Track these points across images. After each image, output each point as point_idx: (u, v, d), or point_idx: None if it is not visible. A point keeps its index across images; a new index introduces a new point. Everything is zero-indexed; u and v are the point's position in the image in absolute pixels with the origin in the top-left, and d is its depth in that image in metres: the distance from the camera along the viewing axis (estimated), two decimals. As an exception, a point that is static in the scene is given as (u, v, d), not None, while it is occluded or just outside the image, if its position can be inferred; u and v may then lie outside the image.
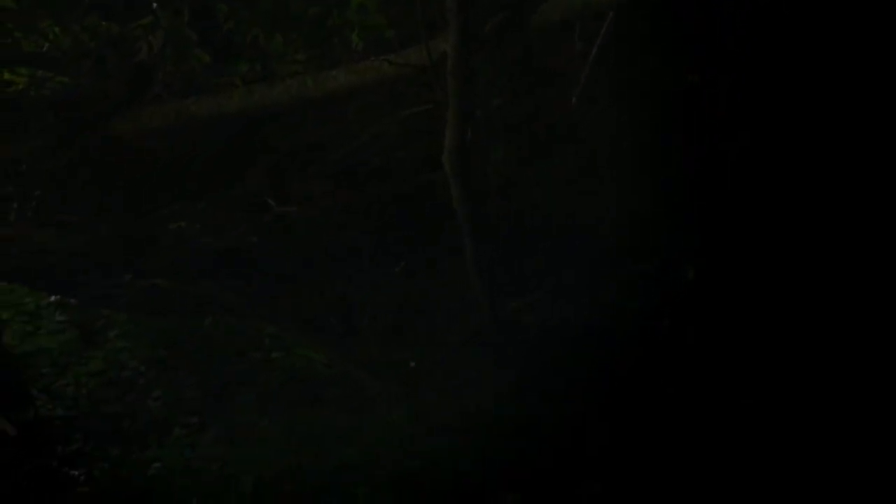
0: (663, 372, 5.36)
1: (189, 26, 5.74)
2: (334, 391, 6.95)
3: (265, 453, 5.72)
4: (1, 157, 6.32)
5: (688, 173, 5.55)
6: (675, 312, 5.51)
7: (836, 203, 5.38)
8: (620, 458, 5.08)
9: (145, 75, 5.91)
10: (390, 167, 6.20)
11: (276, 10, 5.76)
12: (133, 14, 6.00)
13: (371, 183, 6.24)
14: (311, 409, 6.69)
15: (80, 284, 7.36)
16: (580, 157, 5.85)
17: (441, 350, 6.40)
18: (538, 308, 5.90)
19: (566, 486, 5.02)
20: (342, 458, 5.39)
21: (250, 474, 5.28)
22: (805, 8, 5.33)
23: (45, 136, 6.14)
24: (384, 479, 5.07)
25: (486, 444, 5.37)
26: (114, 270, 7.10)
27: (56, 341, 8.15)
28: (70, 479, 6.01)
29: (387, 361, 6.48)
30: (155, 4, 5.85)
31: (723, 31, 5.28)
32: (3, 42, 6.13)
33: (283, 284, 6.90)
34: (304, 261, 6.76)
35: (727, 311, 5.36)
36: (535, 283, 5.89)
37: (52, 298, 8.67)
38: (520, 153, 5.81)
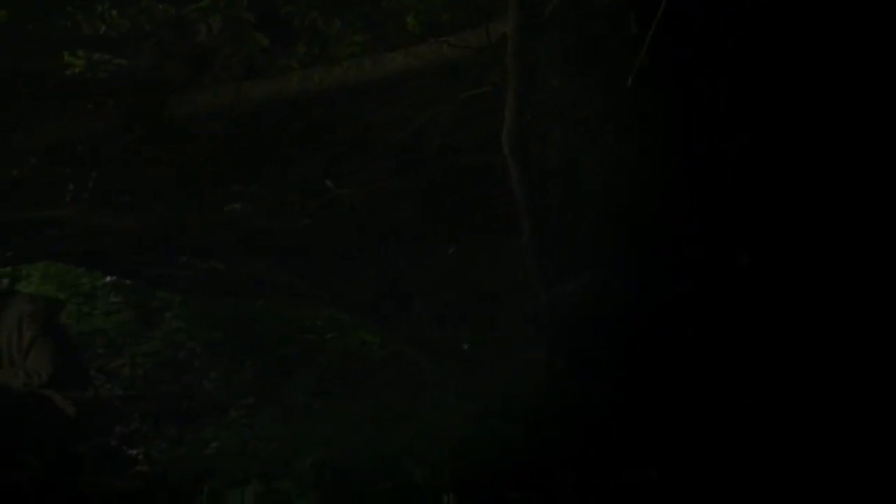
0: (717, 356, 5.34)
1: (247, 9, 5.76)
2: (388, 372, 6.98)
3: (321, 433, 5.75)
4: (59, 139, 6.35)
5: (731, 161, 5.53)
6: (727, 298, 5.48)
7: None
8: (676, 444, 5.07)
9: (203, 58, 5.93)
10: (447, 149, 6.19)
11: (333, -6, 5.77)
12: (191, -3, 6.04)
13: (428, 165, 6.24)
14: (366, 390, 6.73)
15: (137, 266, 7.41)
16: (635, 142, 5.82)
17: (495, 332, 6.41)
18: (591, 291, 5.88)
19: (622, 469, 5.01)
20: (398, 439, 5.40)
21: (308, 454, 5.30)
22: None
23: (104, 118, 6.17)
24: (441, 460, 5.08)
25: (540, 425, 5.36)
26: (170, 252, 7.14)
27: (112, 322, 8.24)
28: (128, 458, 6.07)
29: (441, 343, 6.50)
30: (213, -13, 5.88)
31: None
32: (62, 25, 6.17)
33: (338, 267, 6.92)
34: (360, 243, 6.78)
35: (781, 299, 5.33)
36: (589, 266, 5.87)
37: (108, 280, 8.76)
38: (577, 136, 5.79)
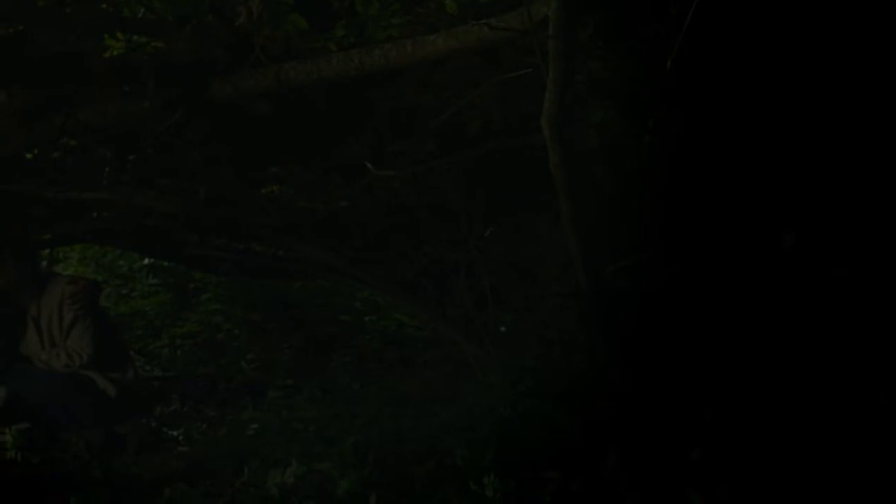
0: (761, 338, 5.32)
1: (287, -9, 5.78)
2: (428, 353, 7.00)
3: (362, 414, 5.77)
4: (99, 122, 6.39)
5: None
6: (770, 278, 5.47)
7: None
8: (718, 424, 5.06)
9: (243, 41, 5.94)
10: (488, 131, 6.19)
11: (373, -24, 5.77)
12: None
13: (468, 146, 6.24)
14: (405, 371, 6.75)
15: (175, 248, 7.45)
16: (676, 122, 5.80)
17: (536, 313, 6.41)
18: (633, 273, 5.87)
19: (664, 449, 5.00)
20: (440, 420, 5.41)
21: (348, 435, 5.32)
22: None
23: (145, 101, 6.20)
24: (481, 440, 5.08)
25: (583, 407, 5.36)
26: (209, 234, 7.17)
27: (150, 304, 8.29)
28: (169, 439, 6.10)
29: (481, 324, 6.50)
30: (252, -30, 5.89)
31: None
32: (101, 7, 6.20)
33: (378, 248, 6.93)
34: (399, 225, 6.79)
35: (827, 280, 5.31)
36: (630, 247, 5.86)
37: (146, 261, 8.81)
38: (617, 117, 5.78)
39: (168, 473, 5.48)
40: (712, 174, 5.56)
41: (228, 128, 6.55)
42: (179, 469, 5.54)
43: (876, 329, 4.91)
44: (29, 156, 6.65)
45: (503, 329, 6.60)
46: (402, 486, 4.82)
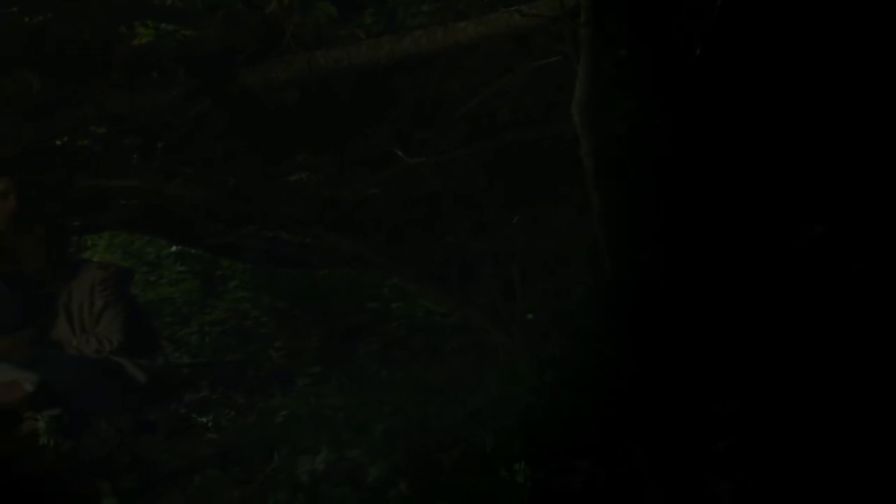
0: (789, 330, 5.32)
1: (316, -22, 5.79)
2: (455, 341, 7.00)
3: (390, 402, 5.78)
4: (128, 110, 6.41)
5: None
6: (798, 270, 5.46)
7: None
8: (747, 415, 5.05)
9: (273, 28, 5.95)
10: (517, 119, 6.19)
11: (402, -37, 5.79)
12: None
13: (497, 135, 6.24)
14: (432, 359, 6.76)
15: (203, 235, 7.46)
16: (704, 110, 5.79)
17: (563, 302, 6.41)
18: (661, 262, 5.86)
19: (691, 439, 5.00)
20: (468, 408, 5.42)
21: (377, 422, 5.33)
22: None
23: (174, 89, 6.22)
24: (512, 430, 5.09)
25: (608, 396, 5.36)
26: (236, 222, 7.18)
27: (178, 291, 8.32)
28: (198, 425, 6.12)
29: (508, 313, 6.51)
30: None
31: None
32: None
33: (405, 236, 6.94)
34: (426, 212, 6.79)
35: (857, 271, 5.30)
36: (659, 237, 5.86)
37: (173, 249, 8.84)
38: (646, 105, 5.76)
39: (197, 460, 5.52)
40: (738, 164, 5.56)
41: (254, 117, 6.56)
42: (209, 455, 5.56)
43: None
44: (58, 143, 6.67)
45: (530, 316, 6.60)
46: (431, 473, 4.82)
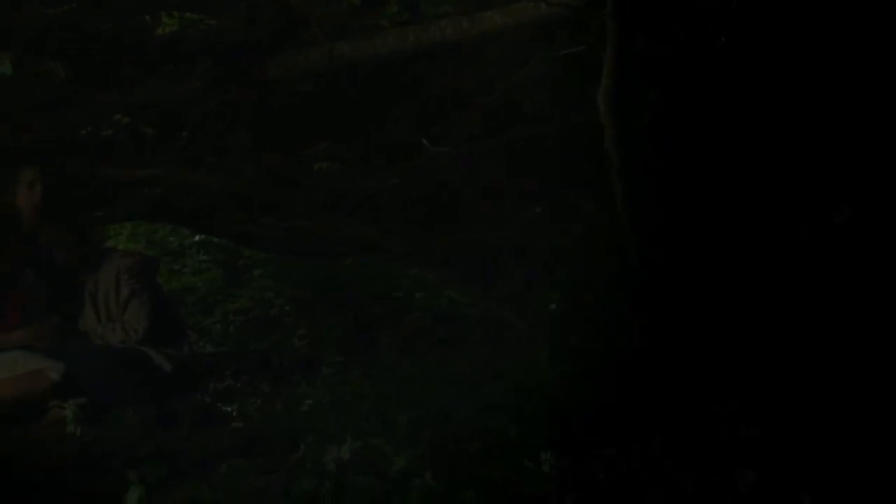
0: (816, 316, 5.31)
1: (339, -33, 5.80)
2: (478, 331, 7.01)
3: (414, 391, 5.79)
4: (152, 100, 6.42)
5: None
6: (826, 254, 5.45)
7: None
8: (775, 403, 5.06)
9: (298, 17, 5.96)
10: (540, 109, 6.18)
11: (427, -49, 5.78)
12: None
13: (520, 125, 6.24)
14: (455, 349, 6.76)
15: (226, 224, 7.47)
16: (728, 98, 5.78)
17: (584, 293, 6.40)
18: (686, 251, 5.85)
19: (715, 427, 5.00)
20: (491, 397, 5.43)
21: (402, 411, 5.34)
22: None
23: (198, 79, 6.23)
24: (534, 420, 5.10)
25: (631, 386, 5.37)
26: (259, 211, 7.19)
27: (202, 280, 8.34)
28: (223, 414, 6.14)
29: (530, 302, 6.51)
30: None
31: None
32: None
33: (426, 225, 6.94)
34: (449, 202, 6.79)
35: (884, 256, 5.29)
36: (683, 226, 5.85)
37: (196, 238, 8.86)
38: (669, 95, 5.75)
39: (223, 449, 5.53)
40: (768, 147, 5.55)
41: (277, 106, 6.57)
42: (234, 444, 5.58)
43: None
44: (83, 133, 6.69)
45: (552, 307, 6.60)
46: (456, 462, 4.84)
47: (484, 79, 6.18)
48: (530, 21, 5.28)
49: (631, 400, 5.26)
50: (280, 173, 6.82)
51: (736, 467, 4.65)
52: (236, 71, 6.16)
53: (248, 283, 8.48)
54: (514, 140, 6.32)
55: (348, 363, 6.72)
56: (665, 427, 4.99)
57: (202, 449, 5.58)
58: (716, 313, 5.50)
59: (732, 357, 5.34)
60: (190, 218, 7.43)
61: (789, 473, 4.65)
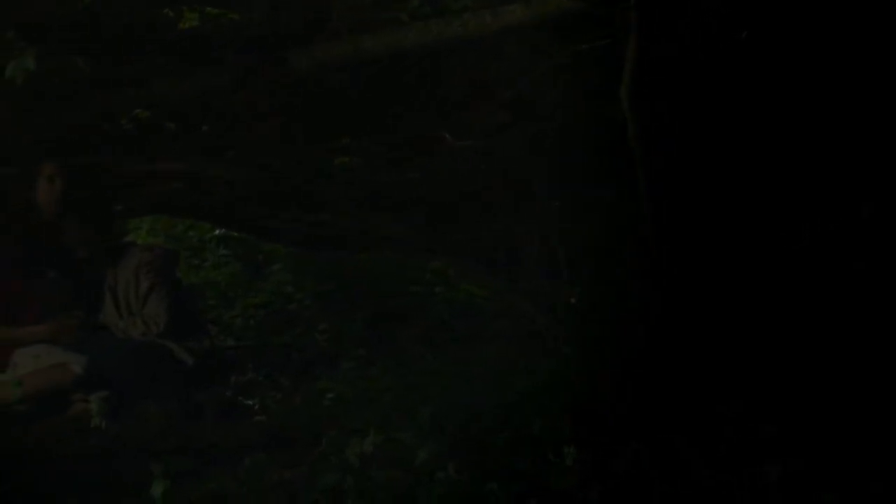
0: (839, 310, 5.30)
1: (361, -39, 5.81)
2: (498, 325, 6.99)
3: (437, 385, 5.78)
4: (175, 94, 6.44)
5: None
6: (848, 249, 5.44)
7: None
8: (799, 400, 5.05)
9: (319, 12, 5.96)
10: (562, 102, 6.17)
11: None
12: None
13: (542, 118, 6.23)
14: (476, 343, 6.75)
15: (246, 218, 7.47)
16: (751, 91, 5.77)
17: (607, 286, 6.39)
18: (709, 243, 5.84)
19: (740, 424, 5.00)
20: (515, 391, 5.42)
21: (424, 405, 5.34)
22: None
23: (220, 73, 6.24)
24: (559, 413, 5.09)
25: (654, 380, 5.36)
26: (279, 205, 7.19)
27: (222, 274, 8.35)
28: (245, 408, 6.15)
29: (552, 296, 6.49)
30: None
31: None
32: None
33: (448, 219, 6.93)
34: (471, 195, 6.78)
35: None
36: (707, 218, 5.83)
37: (216, 232, 8.87)
38: (691, 88, 5.74)
39: (246, 442, 5.53)
40: (791, 140, 5.54)
41: (299, 99, 6.57)
42: (257, 438, 5.58)
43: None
44: (104, 126, 6.71)
45: (573, 301, 6.58)
46: (480, 456, 4.83)
47: (506, 72, 6.17)
48: (554, 15, 5.27)
49: (654, 395, 5.25)
50: (302, 167, 6.82)
51: (759, 463, 4.64)
52: (258, 65, 6.17)
53: (267, 277, 8.49)
54: (535, 133, 6.32)
55: (369, 357, 6.71)
56: (688, 422, 4.98)
57: (225, 442, 5.57)
58: (734, 307, 5.50)
59: (754, 353, 5.34)
60: (211, 212, 7.43)
61: (812, 470, 4.64)
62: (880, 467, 4.55)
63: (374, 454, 4.92)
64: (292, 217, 7.22)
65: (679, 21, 5.52)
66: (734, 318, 5.45)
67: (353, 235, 7.31)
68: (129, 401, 6.03)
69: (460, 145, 6.10)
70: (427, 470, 4.72)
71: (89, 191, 6.56)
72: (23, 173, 6.52)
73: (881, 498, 4.43)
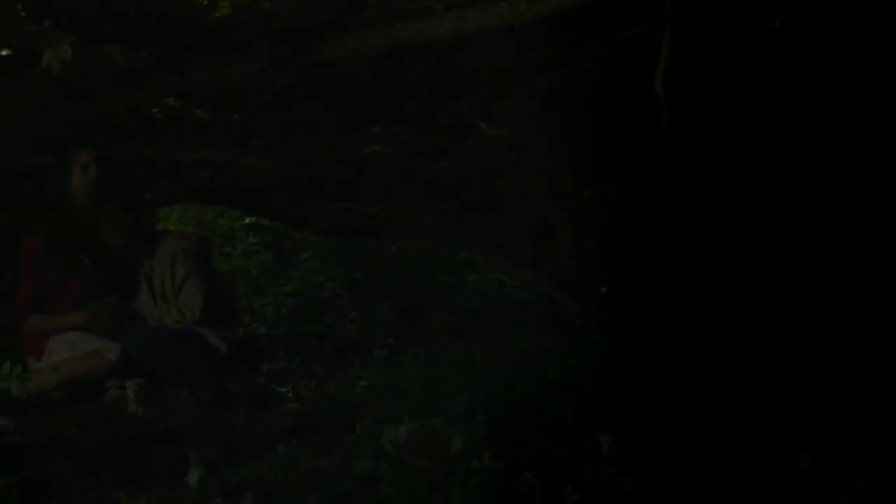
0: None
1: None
2: (529, 314, 7.01)
3: (468, 374, 5.79)
4: (209, 83, 6.46)
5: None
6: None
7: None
8: (830, 388, 5.06)
9: (352, 1, 5.98)
10: (596, 91, 6.17)
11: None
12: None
13: (575, 107, 6.23)
14: (507, 332, 6.76)
15: (278, 206, 7.51)
16: (783, 81, 5.76)
17: (637, 275, 6.39)
18: (738, 234, 5.84)
19: (772, 411, 5.00)
20: (547, 379, 5.42)
21: (458, 394, 5.35)
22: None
23: (253, 61, 6.26)
24: (590, 401, 5.10)
25: (688, 366, 5.37)
26: (311, 193, 7.21)
27: (252, 262, 8.38)
28: (278, 395, 6.17)
29: (584, 285, 6.50)
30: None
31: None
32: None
33: (479, 207, 6.94)
34: (502, 184, 6.79)
35: None
36: (736, 210, 5.84)
37: (246, 220, 8.90)
38: (726, 80, 5.74)
39: (279, 430, 5.55)
40: (814, 134, 5.55)
41: (331, 88, 6.59)
42: (290, 425, 5.60)
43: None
44: (138, 115, 6.74)
45: (603, 289, 6.59)
46: (513, 444, 4.84)
47: (540, 61, 6.17)
48: (590, 2, 5.27)
49: (686, 383, 5.26)
50: (332, 156, 6.84)
51: (793, 452, 4.65)
52: (291, 54, 6.18)
53: (297, 265, 8.52)
54: (568, 122, 6.31)
55: (400, 346, 6.73)
56: (721, 411, 4.99)
57: (258, 430, 5.59)
58: (772, 297, 5.50)
59: (787, 340, 5.35)
60: (242, 200, 7.47)
61: (845, 459, 4.64)
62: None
63: (408, 442, 4.93)
64: (323, 206, 7.25)
65: (714, 9, 5.52)
66: (767, 303, 5.46)
67: (383, 224, 7.34)
68: (163, 388, 6.06)
69: (493, 134, 6.09)
70: (462, 458, 4.73)
71: (123, 179, 6.60)
72: (58, 162, 6.55)
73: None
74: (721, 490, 4.51)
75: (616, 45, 5.80)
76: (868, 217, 5.44)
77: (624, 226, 6.70)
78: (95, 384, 6.21)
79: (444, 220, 6.94)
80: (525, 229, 6.90)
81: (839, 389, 5.07)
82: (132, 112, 6.57)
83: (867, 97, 5.48)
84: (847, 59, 5.48)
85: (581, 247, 6.69)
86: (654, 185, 5.96)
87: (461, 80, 6.43)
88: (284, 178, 7.04)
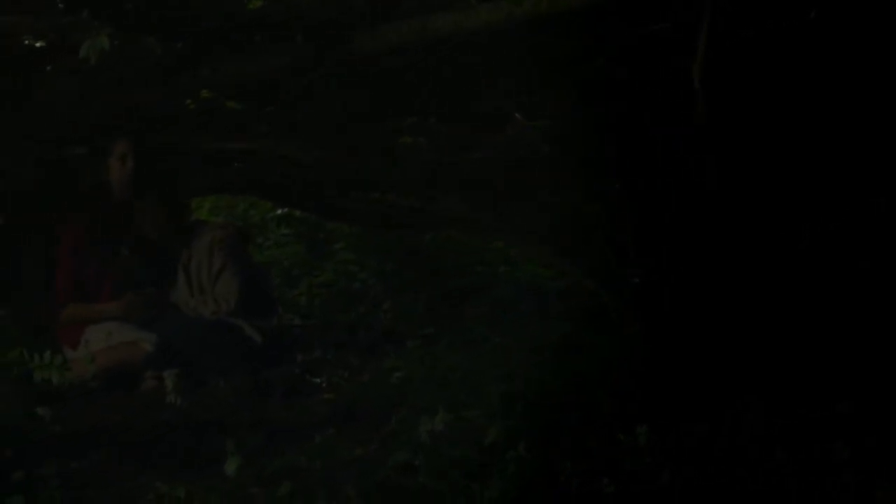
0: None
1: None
2: (563, 305, 7.00)
3: (503, 365, 5.80)
4: (245, 75, 6.48)
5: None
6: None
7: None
8: (868, 377, 5.05)
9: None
10: (632, 83, 6.16)
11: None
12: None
13: (611, 99, 6.22)
14: (541, 323, 6.76)
15: (311, 197, 7.52)
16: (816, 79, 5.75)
17: (673, 266, 6.39)
18: (768, 225, 5.83)
19: (811, 401, 5.00)
20: (582, 370, 5.44)
21: (494, 385, 5.37)
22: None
23: (290, 54, 6.28)
24: (626, 391, 5.12)
25: (724, 357, 5.37)
26: (345, 184, 7.22)
27: (285, 253, 8.41)
28: (313, 385, 6.20)
29: (618, 275, 6.49)
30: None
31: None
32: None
33: (513, 198, 6.94)
34: (535, 175, 6.78)
35: None
36: (766, 202, 5.83)
37: (278, 211, 8.92)
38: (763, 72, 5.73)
39: (315, 419, 5.58)
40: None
41: (367, 79, 6.60)
42: (326, 415, 5.63)
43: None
44: (174, 106, 6.77)
45: (636, 280, 6.57)
46: (550, 435, 4.85)
47: (575, 52, 6.16)
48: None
49: (723, 373, 5.27)
50: (367, 147, 6.85)
51: (831, 441, 4.65)
52: (326, 45, 6.20)
53: (330, 256, 8.53)
54: (602, 114, 6.31)
55: (435, 336, 6.74)
56: (759, 401, 5.00)
57: (294, 420, 5.62)
58: (809, 289, 5.51)
59: (825, 330, 5.35)
60: (278, 191, 7.49)
61: (884, 448, 4.65)
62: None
63: (444, 432, 4.95)
64: (357, 196, 7.26)
65: (752, 1, 5.52)
66: (806, 301, 5.47)
67: (417, 215, 7.34)
68: (199, 378, 6.10)
69: (528, 125, 6.09)
70: (498, 449, 4.75)
71: (160, 169, 6.63)
72: (94, 152, 6.59)
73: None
74: (757, 480, 4.51)
75: (653, 36, 5.78)
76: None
77: (657, 217, 6.70)
78: (131, 374, 6.26)
79: (478, 211, 6.93)
80: (559, 220, 6.90)
81: (873, 381, 5.07)
82: (168, 103, 6.58)
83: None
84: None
85: (615, 237, 6.68)
86: (687, 176, 5.96)
87: (496, 71, 6.41)
88: (319, 170, 7.05)
